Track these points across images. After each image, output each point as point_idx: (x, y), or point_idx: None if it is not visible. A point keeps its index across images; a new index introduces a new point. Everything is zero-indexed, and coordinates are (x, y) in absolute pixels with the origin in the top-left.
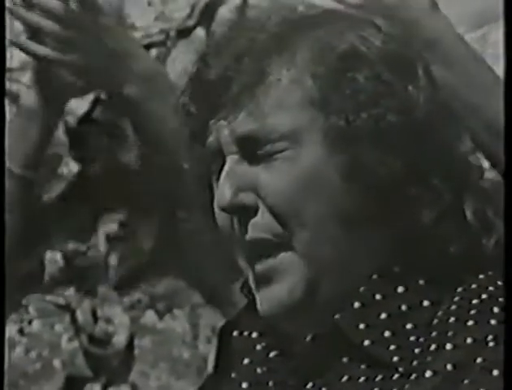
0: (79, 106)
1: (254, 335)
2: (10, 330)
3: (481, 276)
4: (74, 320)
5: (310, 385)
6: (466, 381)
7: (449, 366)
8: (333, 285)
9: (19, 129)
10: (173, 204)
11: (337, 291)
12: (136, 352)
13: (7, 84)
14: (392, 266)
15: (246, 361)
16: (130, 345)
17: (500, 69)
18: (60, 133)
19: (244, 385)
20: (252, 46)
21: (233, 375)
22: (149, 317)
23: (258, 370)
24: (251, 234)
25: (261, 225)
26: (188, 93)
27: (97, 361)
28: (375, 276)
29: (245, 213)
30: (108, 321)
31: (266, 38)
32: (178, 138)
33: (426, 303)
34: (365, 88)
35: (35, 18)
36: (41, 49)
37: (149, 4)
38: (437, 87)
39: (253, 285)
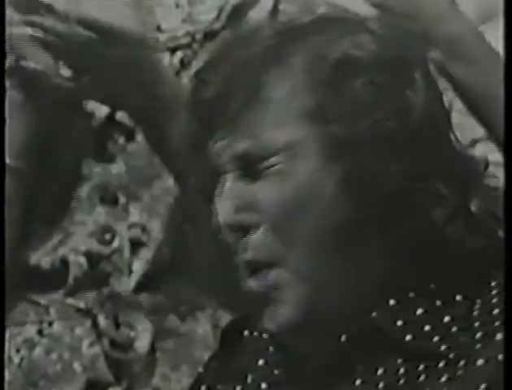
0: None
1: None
2: (30, 330)
3: None
4: (95, 325)
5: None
6: None
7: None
8: (339, 300)
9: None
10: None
11: (345, 305)
12: (157, 355)
13: None
14: (406, 277)
15: (261, 362)
16: (152, 349)
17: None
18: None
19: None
20: (246, 62)
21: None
22: (172, 321)
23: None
24: (250, 254)
25: (260, 244)
26: (187, 111)
27: (118, 365)
28: (389, 288)
29: (245, 231)
30: (130, 326)
31: (260, 53)
32: (180, 153)
33: (458, 298)
34: (361, 95)
35: None
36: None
37: (177, 6)
38: (436, 87)
39: (255, 301)
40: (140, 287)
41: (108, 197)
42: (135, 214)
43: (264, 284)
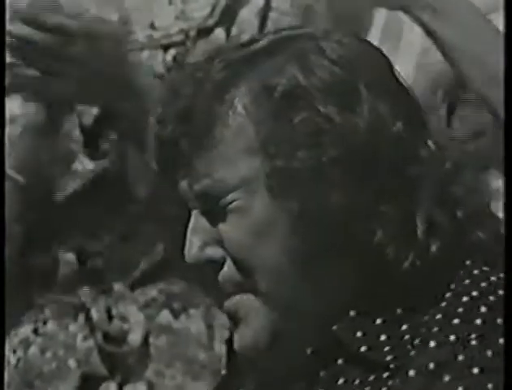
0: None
1: None
2: (25, 329)
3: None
4: (89, 319)
5: None
6: (446, 378)
7: (431, 365)
8: (304, 323)
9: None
10: None
11: (308, 323)
12: (151, 350)
13: None
14: (359, 300)
15: None
16: (145, 343)
17: None
18: (75, 131)
19: None
20: (196, 101)
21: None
22: (165, 316)
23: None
24: (221, 282)
25: (227, 276)
26: (151, 151)
27: (112, 359)
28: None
29: (212, 265)
30: (123, 319)
31: (209, 89)
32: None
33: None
34: (301, 128)
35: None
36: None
37: (170, 3)
38: (385, 98)
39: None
40: (135, 283)
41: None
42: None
43: (232, 310)
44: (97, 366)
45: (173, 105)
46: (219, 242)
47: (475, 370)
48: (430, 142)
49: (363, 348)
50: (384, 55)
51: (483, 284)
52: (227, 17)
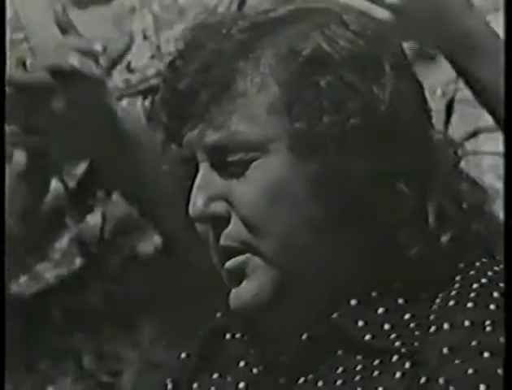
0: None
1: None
2: None
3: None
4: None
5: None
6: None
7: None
8: (306, 290)
9: (13, 188)
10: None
11: (313, 295)
12: None
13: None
14: (366, 273)
15: (242, 363)
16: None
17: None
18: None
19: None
20: (218, 56)
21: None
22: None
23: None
24: (222, 242)
25: (232, 234)
26: (159, 102)
27: None
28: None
29: (216, 222)
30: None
31: (232, 46)
32: (153, 142)
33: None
34: (327, 92)
35: None
36: None
37: (145, 37)
38: (409, 80)
39: (226, 281)
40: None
41: None
42: None
43: (235, 268)
44: None
45: (193, 58)
46: (226, 198)
47: (486, 355)
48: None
49: (367, 337)
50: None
51: (490, 274)
52: None
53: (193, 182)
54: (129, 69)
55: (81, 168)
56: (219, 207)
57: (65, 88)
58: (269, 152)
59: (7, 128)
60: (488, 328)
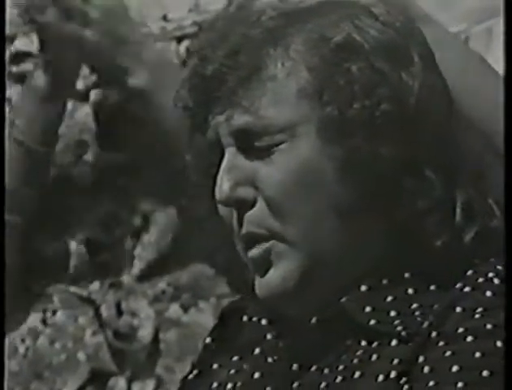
0: (105, 94)
1: (264, 321)
2: (34, 319)
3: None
4: (98, 314)
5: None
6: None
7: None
8: (330, 275)
9: (31, 109)
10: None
11: (335, 281)
12: (161, 346)
13: (13, 68)
14: (388, 260)
15: (257, 350)
16: (155, 339)
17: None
18: (88, 120)
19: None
20: (246, 41)
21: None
22: (174, 310)
23: (269, 359)
24: (246, 228)
25: (257, 219)
26: (186, 87)
27: (121, 355)
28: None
29: (242, 206)
30: (133, 314)
31: (260, 33)
32: (179, 129)
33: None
34: (358, 78)
35: None
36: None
37: None
38: (437, 74)
39: (251, 269)
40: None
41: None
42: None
43: (260, 256)
44: (107, 362)
45: (221, 45)
46: (253, 182)
47: (499, 344)
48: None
49: (372, 322)
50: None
51: (500, 267)
52: (243, 10)
53: (218, 167)
54: (165, 19)
55: None
56: (245, 192)
57: None
58: (297, 136)
59: None
60: (479, 315)
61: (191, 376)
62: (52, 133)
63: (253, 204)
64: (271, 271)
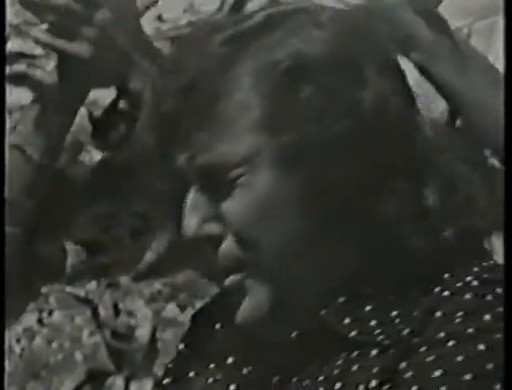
0: (103, 96)
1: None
2: (30, 319)
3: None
4: (96, 314)
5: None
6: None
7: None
8: (304, 296)
9: (39, 116)
10: None
11: (311, 298)
12: (158, 345)
13: (29, 70)
14: (364, 269)
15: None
16: (152, 339)
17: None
18: (84, 121)
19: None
20: (198, 75)
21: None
22: (171, 310)
23: (244, 371)
24: (218, 262)
25: (226, 252)
26: (144, 126)
27: (119, 355)
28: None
29: (210, 242)
30: (130, 314)
31: (214, 63)
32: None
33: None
34: (309, 101)
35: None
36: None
37: None
38: (395, 81)
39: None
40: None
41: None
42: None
43: (232, 287)
44: (105, 361)
45: (175, 79)
46: (219, 218)
47: (480, 347)
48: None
49: (353, 333)
50: (380, 31)
51: (477, 269)
52: (235, 11)
53: (184, 201)
54: (160, 19)
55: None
56: (212, 228)
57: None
58: (254, 168)
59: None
60: (487, 316)
61: (167, 381)
62: (58, 145)
63: (221, 239)
64: (244, 302)
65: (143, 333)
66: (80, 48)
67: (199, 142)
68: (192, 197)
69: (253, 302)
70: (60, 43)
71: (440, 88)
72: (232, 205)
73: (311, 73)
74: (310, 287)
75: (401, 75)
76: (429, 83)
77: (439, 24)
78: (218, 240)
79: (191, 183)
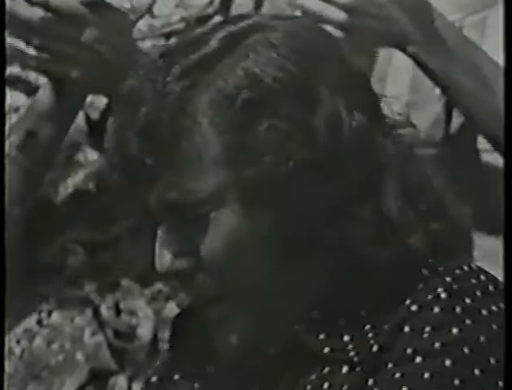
0: (100, 99)
1: None
2: (29, 320)
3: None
4: (98, 314)
5: None
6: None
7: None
8: (279, 316)
9: (33, 127)
10: None
11: (285, 315)
12: (159, 344)
13: (30, 75)
14: (337, 284)
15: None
16: (154, 338)
17: (499, 52)
18: (80, 122)
19: None
20: (158, 114)
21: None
22: (171, 309)
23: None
24: (193, 294)
25: (201, 287)
26: (110, 167)
27: (122, 354)
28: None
29: (183, 277)
30: (132, 314)
31: (171, 101)
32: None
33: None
34: (265, 135)
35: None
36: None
37: None
38: (353, 99)
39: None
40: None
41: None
42: None
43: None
44: (107, 361)
45: (135, 121)
46: (190, 254)
47: (447, 363)
48: (389, 133)
49: (326, 349)
50: (337, 42)
51: (448, 279)
52: (225, 5)
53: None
54: (153, 16)
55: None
56: (185, 263)
57: (97, 20)
58: (221, 204)
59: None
60: (455, 330)
61: (154, 379)
62: (52, 154)
63: (194, 273)
64: (223, 329)
65: (145, 332)
66: (67, 69)
67: (166, 181)
68: (162, 233)
69: (230, 333)
70: (47, 67)
71: (436, 78)
72: (203, 241)
73: (267, 103)
74: (285, 307)
75: (362, 90)
76: (426, 74)
77: (425, 16)
78: (191, 274)
79: (161, 219)
